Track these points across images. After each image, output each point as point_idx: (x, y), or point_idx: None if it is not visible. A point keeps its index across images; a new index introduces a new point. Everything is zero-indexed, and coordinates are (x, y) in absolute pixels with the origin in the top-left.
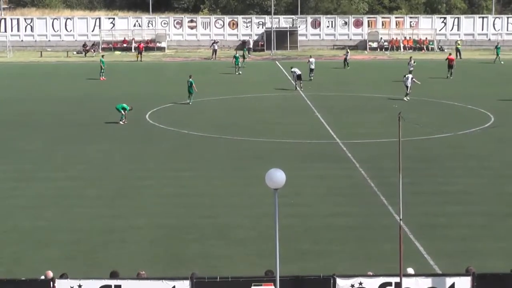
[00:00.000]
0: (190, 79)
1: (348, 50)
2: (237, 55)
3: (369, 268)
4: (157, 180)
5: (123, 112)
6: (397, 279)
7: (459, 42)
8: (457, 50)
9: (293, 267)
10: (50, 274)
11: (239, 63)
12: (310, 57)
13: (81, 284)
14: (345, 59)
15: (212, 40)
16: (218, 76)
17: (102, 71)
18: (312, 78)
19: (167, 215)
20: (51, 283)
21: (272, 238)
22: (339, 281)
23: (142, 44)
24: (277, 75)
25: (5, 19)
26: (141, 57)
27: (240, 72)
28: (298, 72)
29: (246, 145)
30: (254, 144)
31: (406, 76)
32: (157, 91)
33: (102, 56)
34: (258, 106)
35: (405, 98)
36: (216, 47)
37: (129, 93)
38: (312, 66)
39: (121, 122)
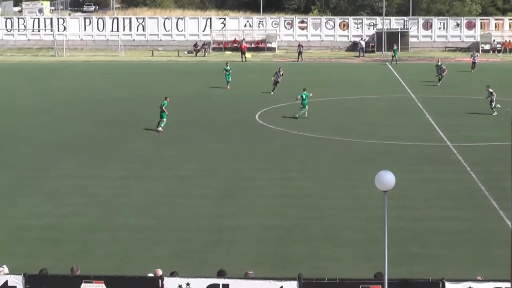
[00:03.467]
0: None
1: (476, 52)
2: (228, 67)
3: (478, 273)
4: (266, 180)
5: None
6: (507, 285)
7: None
8: None
9: (401, 270)
10: (160, 272)
11: (229, 79)
12: (438, 61)
13: (189, 283)
14: (473, 62)
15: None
16: (325, 77)
17: (228, 80)
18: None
19: (276, 215)
20: (160, 281)
21: (380, 240)
22: (448, 285)
23: (244, 45)
24: (388, 76)
25: (117, 18)
26: (244, 57)
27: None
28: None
29: (355, 147)
30: (363, 146)
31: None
32: (266, 92)
33: (226, 63)
34: (368, 107)
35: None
36: (301, 50)
37: (237, 93)
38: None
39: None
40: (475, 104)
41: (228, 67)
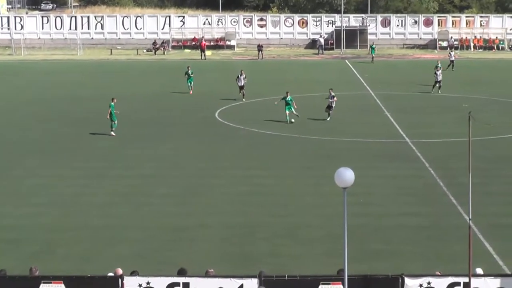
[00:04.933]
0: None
1: (452, 51)
2: (190, 71)
3: (439, 268)
4: (228, 178)
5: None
6: (465, 279)
7: None
8: None
9: (363, 266)
10: (120, 271)
11: (191, 83)
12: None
13: (149, 281)
14: (451, 60)
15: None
16: (284, 74)
17: (190, 84)
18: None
19: (238, 213)
20: (120, 280)
21: (341, 237)
22: (407, 280)
23: (204, 43)
24: (347, 73)
25: (75, 16)
26: (204, 55)
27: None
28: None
29: (317, 144)
30: (325, 143)
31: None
32: (226, 90)
33: (188, 67)
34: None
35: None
36: (261, 48)
37: (197, 91)
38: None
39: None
40: (433, 101)
41: (190, 71)
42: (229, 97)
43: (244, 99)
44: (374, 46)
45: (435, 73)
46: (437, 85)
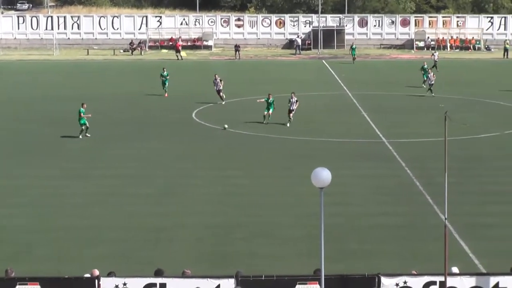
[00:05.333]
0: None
1: (436, 52)
2: (165, 73)
3: (415, 267)
4: (206, 179)
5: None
6: (441, 278)
7: (507, 41)
8: (505, 49)
9: (340, 266)
10: (96, 272)
11: (166, 85)
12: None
13: (126, 282)
14: (435, 61)
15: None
16: (262, 74)
17: (165, 86)
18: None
19: (215, 214)
20: (96, 281)
21: (318, 237)
22: (384, 280)
23: (179, 43)
24: (324, 73)
25: (52, 16)
26: (180, 56)
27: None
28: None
29: (294, 144)
30: (302, 143)
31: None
32: (202, 90)
33: (163, 69)
34: (305, 105)
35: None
36: (239, 48)
37: (173, 92)
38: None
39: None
40: (410, 101)
41: (165, 73)
42: (205, 97)
43: (223, 102)
44: (354, 46)
45: (428, 76)
46: (430, 88)
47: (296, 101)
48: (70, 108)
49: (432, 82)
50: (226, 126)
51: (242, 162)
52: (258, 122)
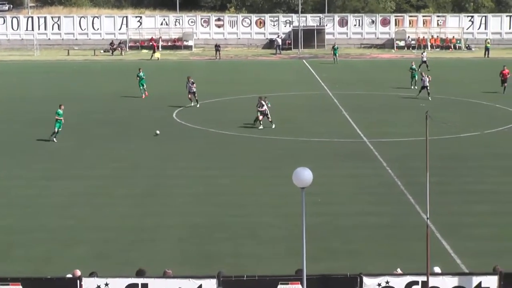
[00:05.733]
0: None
1: (424, 51)
2: (141, 73)
3: (398, 267)
4: (187, 179)
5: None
6: (423, 278)
7: (488, 41)
8: (486, 49)
9: (322, 266)
10: (78, 272)
11: (143, 87)
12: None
13: (108, 283)
14: (423, 61)
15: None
16: (242, 74)
17: (142, 87)
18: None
19: (197, 213)
20: (78, 281)
21: (300, 237)
22: (366, 279)
23: (155, 43)
24: (304, 73)
25: (32, 17)
26: (154, 56)
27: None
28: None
29: (275, 144)
30: (283, 143)
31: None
32: (182, 90)
33: (139, 69)
34: (286, 105)
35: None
36: (219, 48)
37: (153, 92)
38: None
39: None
40: (391, 100)
41: (141, 73)
42: (186, 98)
43: (198, 104)
44: (337, 47)
45: (421, 78)
46: (426, 89)
47: (263, 105)
48: (50, 108)
49: (427, 84)
50: (157, 132)
51: (223, 162)
52: (239, 122)
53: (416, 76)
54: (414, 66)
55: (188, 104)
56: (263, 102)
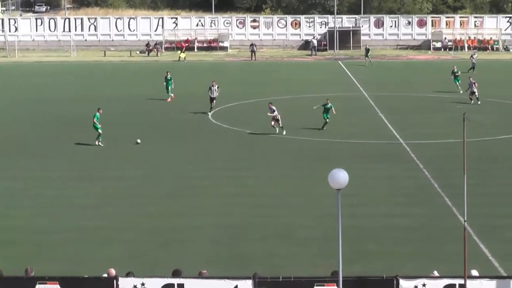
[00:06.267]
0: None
1: (475, 54)
2: (169, 76)
3: (432, 270)
4: (219, 179)
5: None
6: (461, 281)
7: None
8: None
9: (356, 267)
10: (113, 272)
11: (170, 88)
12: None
13: (144, 283)
14: (473, 63)
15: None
16: (277, 75)
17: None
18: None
19: (229, 214)
20: (115, 281)
21: (334, 238)
22: (402, 282)
23: (184, 44)
24: (340, 74)
25: (69, 18)
26: (181, 56)
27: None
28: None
29: (308, 145)
30: (316, 144)
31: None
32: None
33: (167, 72)
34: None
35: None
36: (254, 49)
37: (190, 93)
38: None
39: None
40: (428, 102)
41: (169, 76)
42: (223, 98)
43: (211, 112)
44: (369, 48)
45: (470, 84)
46: (475, 95)
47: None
48: (85, 109)
49: (474, 90)
50: (138, 141)
51: (255, 162)
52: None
53: (459, 81)
54: (456, 70)
55: (207, 111)
56: (274, 108)
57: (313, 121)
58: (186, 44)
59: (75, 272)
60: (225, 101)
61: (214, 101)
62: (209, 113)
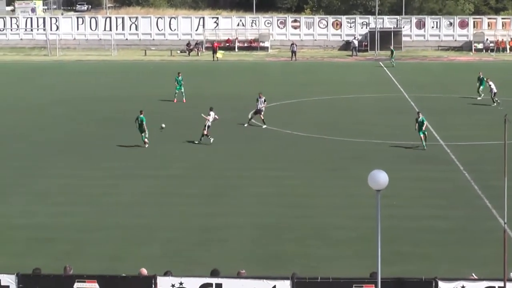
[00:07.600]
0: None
1: None
2: (180, 77)
3: (470, 272)
4: (258, 179)
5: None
6: (500, 284)
7: None
8: None
9: (394, 269)
10: (144, 271)
11: (181, 89)
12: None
13: (182, 282)
14: None
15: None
16: (317, 76)
17: (179, 91)
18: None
19: (267, 214)
20: (153, 280)
21: (372, 239)
22: (441, 284)
23: (216, 44)
24: (381, 75)
25: (110, 17)
26: (216, 57)
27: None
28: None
29: (347, 146)
30: (355, 145)
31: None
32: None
33: (178, 74)
34: (360, 106)
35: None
36: (295, 49)
37: (229, 93)
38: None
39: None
40: (468, 103)
41: (179, 78)
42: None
43: (265, 125)
44: (393, 49)
45: (490, 86)
46: (494, 97)
47: (264, 100)
48: (125, 108)
49: (495, 91)
50: (163, 125)
51: (293, 162)
52: (311, 123)
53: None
54: (481, 76)
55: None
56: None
57: (352, 121)
58: (219, 45)
59: (112, 271)
60: (268, 101)
61: (259, 113)
62: (245, 124)
